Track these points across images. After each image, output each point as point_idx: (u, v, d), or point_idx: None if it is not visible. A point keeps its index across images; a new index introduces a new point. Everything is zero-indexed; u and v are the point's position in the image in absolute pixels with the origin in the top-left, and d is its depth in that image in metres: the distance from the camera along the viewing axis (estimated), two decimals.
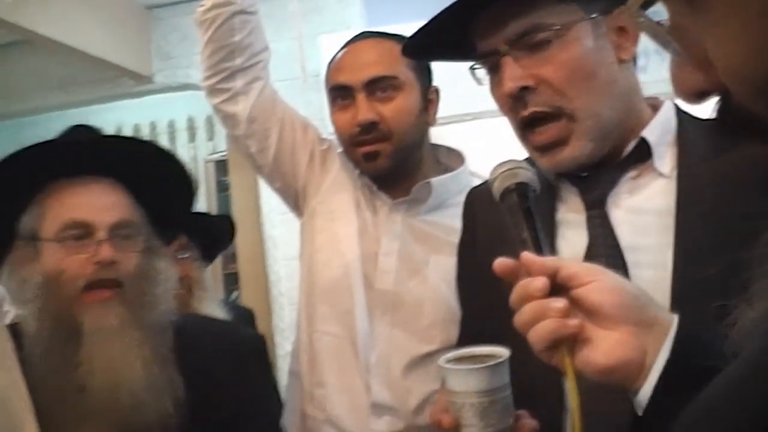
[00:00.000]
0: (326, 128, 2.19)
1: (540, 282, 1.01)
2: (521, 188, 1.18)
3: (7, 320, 1.49)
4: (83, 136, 1.66)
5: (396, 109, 1.98)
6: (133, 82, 4.70)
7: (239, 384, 1.63)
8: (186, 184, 1.67)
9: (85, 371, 1.44)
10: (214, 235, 2.50)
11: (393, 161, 1.99)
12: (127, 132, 5.82)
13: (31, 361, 1.43)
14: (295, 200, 2.22)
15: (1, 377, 1.33)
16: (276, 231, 4.32)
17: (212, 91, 2.15)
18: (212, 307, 2.33)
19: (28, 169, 1.51)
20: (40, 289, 1.46)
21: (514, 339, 1.07)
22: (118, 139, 1.67)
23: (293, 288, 4.00)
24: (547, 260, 1.05)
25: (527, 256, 1.06)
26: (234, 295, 4.74)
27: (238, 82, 2.11)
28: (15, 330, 1.48)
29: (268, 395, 1.74)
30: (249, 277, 4.56)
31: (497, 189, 1.21)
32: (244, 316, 2.85)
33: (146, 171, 1.58)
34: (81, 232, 1.50)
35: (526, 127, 1.36)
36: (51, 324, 1.44)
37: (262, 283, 4.43)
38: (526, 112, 1.34)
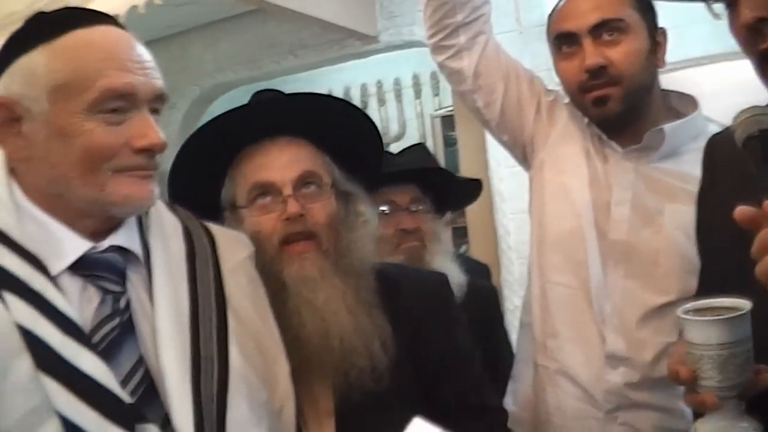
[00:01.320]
0: (551, 79, 2.16)
1: None
2: (765, 135, 1.13)
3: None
4: (263, 99, 1.73)
5: (624, 52, 1.92)
6: (360, 42, 4.82)
7: (445, 329, 1.66)
8: (373, 135, 1.72)
9: (296, 322, 1.52)
10: (449, 190, 2.51)
11: (623, 105, 1.94)
12: (355, 91, 5.97)
13: None
14: (523, 153, 2.21)
15: (257, 321, 1.41)
16: (503, 185, 4.31)
17: (436, 49, 2.17)
18: (444, 260, 2.35)
19: (219, 143, 1.62)
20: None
21: (757, 290, 1.03)
22: (298, 98, 1.72)
23: (521, 242, 3.99)
24: None
25: None
26: (462, 249, 4.79)
27: (461, 38, 2.13)
28: None
29: (469, 340, 1.74)
30: (477, 232, 4.58)
31: (740, 136, 1.16)
32: (479, 270, 2.85)
33: (329, 124, 1.62)
34: (266, 191, 1.59)
35: (765, 61, 1.29)
36: (264, 281, 1.51)
37: (491, 237, 4.43)
38: (765, 45, 1.27)
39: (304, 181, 1.60)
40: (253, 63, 5.27)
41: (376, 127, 1.73)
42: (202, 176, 1.64)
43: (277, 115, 1.62)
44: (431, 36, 2.17)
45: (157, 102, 1.30)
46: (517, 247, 4.28)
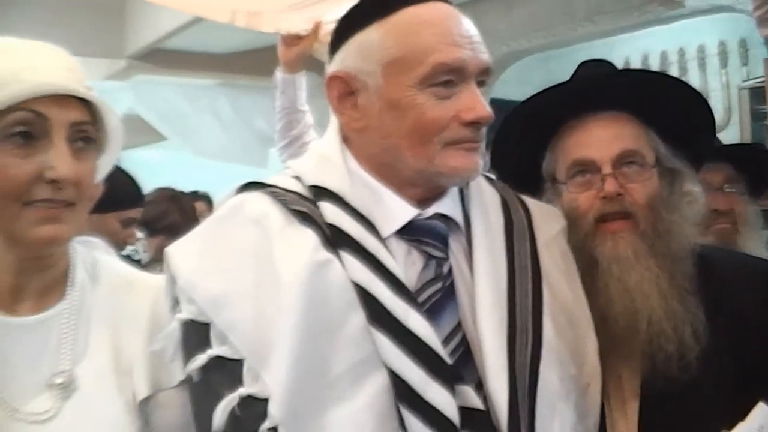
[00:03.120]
0: None
1: None
2: None
3: None
4: (592, 73, 1.68)
5: None
6: (663, 8, 4.59)
7: None
8: (703, 110, 1.66)
9: (604, 301, 1.49)
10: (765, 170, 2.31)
11: None
12: (654, 60, 5.72)
13: None
14: None
15: (569, 295, 1.42)
16: None
17: (764, 21, 1.99)
18: (758, 246, 2.17)
19: (542, 112, 1.62)
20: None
21: None
22: (627, 73, 1.69)
23: None
24: None
25: None
26: None
27: None
28: None
29: None
30: None
31: None
32: None
33: (659, 101, 1.57)
34: (586, 169, 1.57)
35: None
36: (575, 257, 1.50)
37: None
38: None
39: (624, 159, 1.56)
40: (548, 30, 5.20)
41: (708, 105, 1.67)
42: (524, 148, 1.66)
43: (602, 90, 1.60)
44: (758, 7, 1.98)
45: (483, 75, 1.33)
46: None
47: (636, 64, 5.72)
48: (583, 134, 1.59)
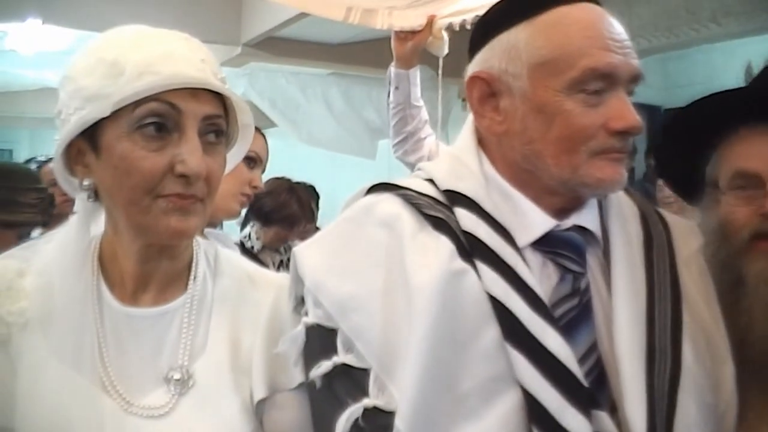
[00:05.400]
0: None
1: None
2: None
3: None
4: None
5: None
6: None
7: None
8: None
9: (746, 323, 1.40)
10: None
11: None
12: None
13: None
14: None
15: (708, 317, 1.34)
16: None
17: None
18: None
19: (715, 115, 1.51)
20: (714, 235, 1.46)
21: None
22: None
23: None
24: None
25: None
26: None
27: None
28: None
29: None
30: None
31: None
32: None
33: None
34: (749, 182, 1.46)
35: None
36: (716, 271, 1.41)
37: None
38: None
39: None
40: (670, 30, 5.02)
41: None
42: (690, 148, 1.57)
43: None
44: None
45: (633, 83, 1.26)
46: None
47: (759, 69, 5.47)
48: (753, 145, 1.49)
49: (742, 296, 1.42)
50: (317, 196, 4.93)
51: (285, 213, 3.92)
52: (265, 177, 3.26)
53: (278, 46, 6.13)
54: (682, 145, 1.58)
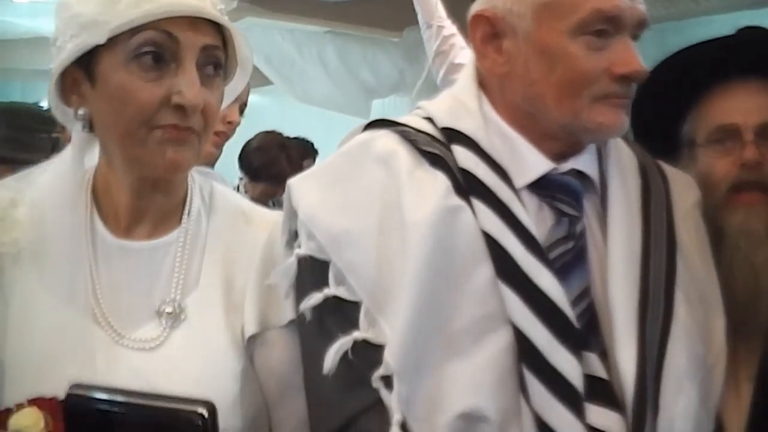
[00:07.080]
0: None
1: None
2: None
3: None
4: (745, 36, 1.57)
5: None
6: None
7: None
8: None
9: (726, 276, 1.40)
10: None
11: None
12: None
13: None
14: None
15: (701, 270, 1.35)
16: None
17: None
18: None
19: (690, 71, 1.52)
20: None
21: None
22: None
23: None
24: None
25: None
26: None
27: None
28: None
29: None
30: None
31: None
32: None
33: None
34: (727, 135, 1.48)
35: None
36: None
37: None
38: None
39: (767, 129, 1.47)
40: (669, 1, 4.98)
41: None
42: (664, 107, 1.57)
43: (755, 54, 1.49)
44: None
45: (638, 28, 1.25)
46: None
47: None
48: (729, 99, 1.50)
49: (723, 250, 1.42)
50: (315, 153, 4.88)
51: (273, 170, 3.85)
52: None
53: (275, 1, 6.07)
54: (656, 105, 1.56)
